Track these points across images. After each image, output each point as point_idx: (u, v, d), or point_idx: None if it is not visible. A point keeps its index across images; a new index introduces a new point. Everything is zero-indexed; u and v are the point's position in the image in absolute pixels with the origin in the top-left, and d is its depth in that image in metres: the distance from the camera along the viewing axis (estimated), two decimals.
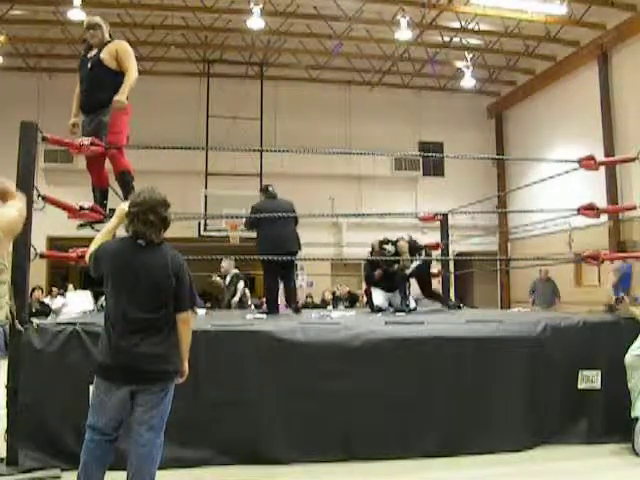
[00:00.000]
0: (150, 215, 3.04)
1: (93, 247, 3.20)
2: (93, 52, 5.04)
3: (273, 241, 6.17)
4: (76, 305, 6.22)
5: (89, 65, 4.99)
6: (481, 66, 15.59)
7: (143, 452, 2.98)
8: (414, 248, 7.21)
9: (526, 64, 15.66)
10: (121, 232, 3.41)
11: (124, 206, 3.32)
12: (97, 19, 5.16)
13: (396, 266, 7.03)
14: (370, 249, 7.45)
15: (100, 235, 3.33)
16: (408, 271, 7.00)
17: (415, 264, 7.02)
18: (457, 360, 4.51)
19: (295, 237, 6.42)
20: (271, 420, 4.20)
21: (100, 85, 4.87)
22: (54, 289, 13.75)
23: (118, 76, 4.92)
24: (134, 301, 2.99)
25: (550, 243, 13.55)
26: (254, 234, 6.49)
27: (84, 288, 14.02)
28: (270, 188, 6.64)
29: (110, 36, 5.15)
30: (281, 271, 6.42)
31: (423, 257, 7.04)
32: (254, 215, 6.36)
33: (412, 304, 7.38)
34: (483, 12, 12.70)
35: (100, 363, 3.04)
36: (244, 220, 6.92)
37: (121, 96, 4.77)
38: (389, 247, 7.16)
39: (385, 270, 7.25)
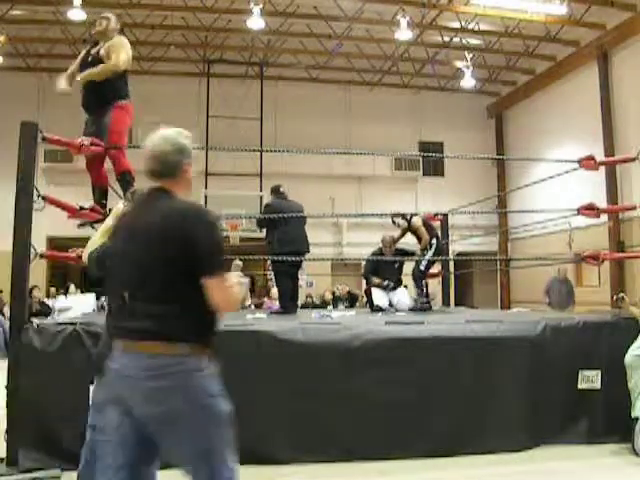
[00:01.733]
0: None
1: (91, 247, 3.17)
2: (96, 48, 5.01)
3: (292, 241, 6.24)
4: (81, 308, 6.24)
5: (89, 60, 4.96)
6: (481, 66, 15.59)
7: None
8: (430, 228, 7.12)
9: (526, 64, 15.66)
10: None
11: (120, 206, 3.31)
12: (108, 13, 5.14)
13: (415, 255, 7.01)
14: (380, 244, 7.37)
15: (97, 235, 3.31)
16: (423, 264, 6.93)
17: (431, 253, 6.94)
18: (457, 360, 4.51)
19: (306, 237, 6.49)
20: (271, 420, 4.20)
21: (98, 83, 4.81)
22: (52, 289, 13.74)
23: (119, 77, 4.90)
24: None
25: (550, 243, 13.55)
26: (254, 235, 6.53)
27: (85, 288, 14.03)
28: (282, 189, 6.63)
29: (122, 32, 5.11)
30: (293, 270, 6.51)
31: (428, 257, 6.95)
32: (267, 215, 6.39)
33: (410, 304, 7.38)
34: (483, 12, 12.70)
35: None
36: (257, 220, 6.90)
37: (83, 74, 4.76)
38: (400, 220, 7.12)
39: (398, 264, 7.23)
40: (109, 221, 3.37)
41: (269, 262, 6.96)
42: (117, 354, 2.21)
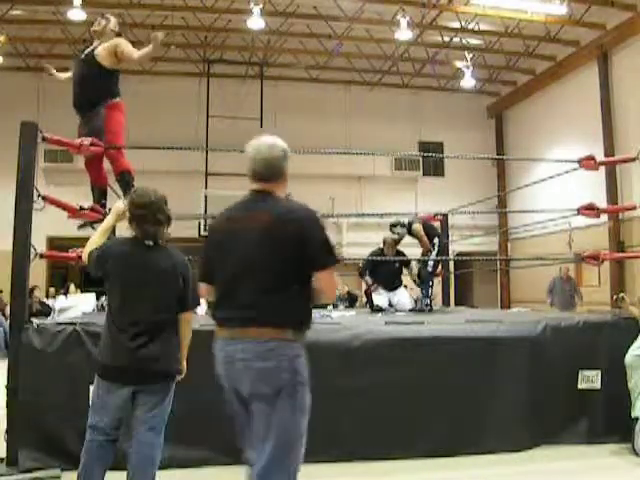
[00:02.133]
0: (159, 215, 3.05)
1: (91, 246, 3.18)
2: (90, 48, 4.98)
3: None
4: (81, 307, 6.27)
5: (82, 58, 4.93)
6: (481, 66, 15.59)
7: (143, 452, 2.98)
8: (431, 229, 7.09)
9: (526, 64, 15.66)
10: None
11: (120, 204, 3.31)
12: (109, 15, 5.12)
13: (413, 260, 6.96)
14: (381, 244, 7.31)
15: (97, 234, 3.31)
16: (430, 264, 6.90)
17: (435, 253, 6.89)
18: (457, 360, 4.51)
19: None
20: None
21: (89, 82, 4.78)
22: (51, 289, 13.73)
23: (110, 76, 4.86)
24: (142, 303, 2.99)
25: (550, 243, 13.54)
26: None
27: (85, 288, 14.02)
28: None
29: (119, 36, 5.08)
30: None
31: (433, 257, 6.92)
32: None
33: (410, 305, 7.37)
34: (483, 12, 12.70)
35: (102, 363, 3.04)
36: None
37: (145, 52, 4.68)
38: (399, 229, 7.06)
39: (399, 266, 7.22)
40: (109, 220, 3.38)
41: None
42: (223, 342, 2.48)
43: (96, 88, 4.75)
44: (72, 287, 13.13)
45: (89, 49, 4.95)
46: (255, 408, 2.39)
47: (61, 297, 12.18)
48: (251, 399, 2.40)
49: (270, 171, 2.59)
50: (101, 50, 4.83)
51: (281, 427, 2.35)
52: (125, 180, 4.94)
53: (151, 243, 3.06)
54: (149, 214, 3.04)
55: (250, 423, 2.43)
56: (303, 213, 2.50)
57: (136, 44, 5.03)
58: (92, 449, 2.97)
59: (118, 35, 5.02)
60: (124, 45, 4.80)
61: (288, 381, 2.37)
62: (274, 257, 2.38)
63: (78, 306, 6.38)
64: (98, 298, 6.94)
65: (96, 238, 3.26)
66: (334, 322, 5.04)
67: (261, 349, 2.34)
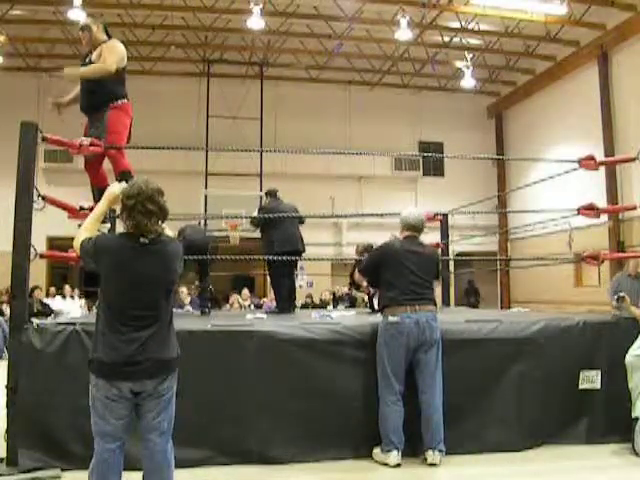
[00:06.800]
0: (149, 204, 2.91)
1: (84, 233, 3.06)
2: (90, 56, 5.02)
3: (287, 241, 6.33)
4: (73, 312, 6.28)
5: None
6: (481, 66, 15.60)
7: (158, 460, 2.92)
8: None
9: (526, 64, 15.67)
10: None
11: (114, 189, 3.17)
12: (86, 20, 5.15)
13: None
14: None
15: (89, 221, 3.19)
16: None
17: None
18: (456, 360, 4.50)
19: (301, 238, 6.58)
20: (271, 420, 4.20)
21: (92, 88, 4.83)
22: (51, 289, 13.74)
23: (113, 79, 4.87)
24: (137, 299, 2.91)
25: (550, 243, 13.55)
26: (253, 235, 6.56)
27: (85, 288, 14.02)
28: (278, 193, 6.80)
29: (109, 36, 5.10)
30: (290, 270, 6.60)
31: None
32: (267, 215, 6.47)
33: None
34: (483, 12, 12.71)
35: (102, 361, 2.88)
36: (251, 219, 6.88)
37: (72, 69, 4.82)
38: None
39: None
40: (101, 206, 3.23)
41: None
42: (409, 313, 4.24)
43: (100, 93, 4.79)
44: (67, 288, 13.15)
45: (88, 58, 4.98)
46: (424, 353, 4.23)
47: (58, 298, 12.19)
48: (425, 343, 4.23)
49: (422, 228, 4.60)
50: (95, 58, 4.89)
51: (439, 356, 4.30)
52: (125, 180, 4.92)
53: (146, 241, 2.93)
54: (138, 204, 2.90)
55: (412, 363, 4.27)
56: (435, 251, 5.30)
57: (136, 44, 5.03)
58: (105, 460, 2.85)
59: (105, 30, 5.07)
60: (107, 52, 4.86)
61: (439, 332, 4.34)
62: (432, 269, 4.51)
63: (71, 312, 6.40)
64: (89, 296, 6.90)
65: (88, 225, 3.13)
66: (334, 322, 5.03)
67: (433, 316, 4.33)
